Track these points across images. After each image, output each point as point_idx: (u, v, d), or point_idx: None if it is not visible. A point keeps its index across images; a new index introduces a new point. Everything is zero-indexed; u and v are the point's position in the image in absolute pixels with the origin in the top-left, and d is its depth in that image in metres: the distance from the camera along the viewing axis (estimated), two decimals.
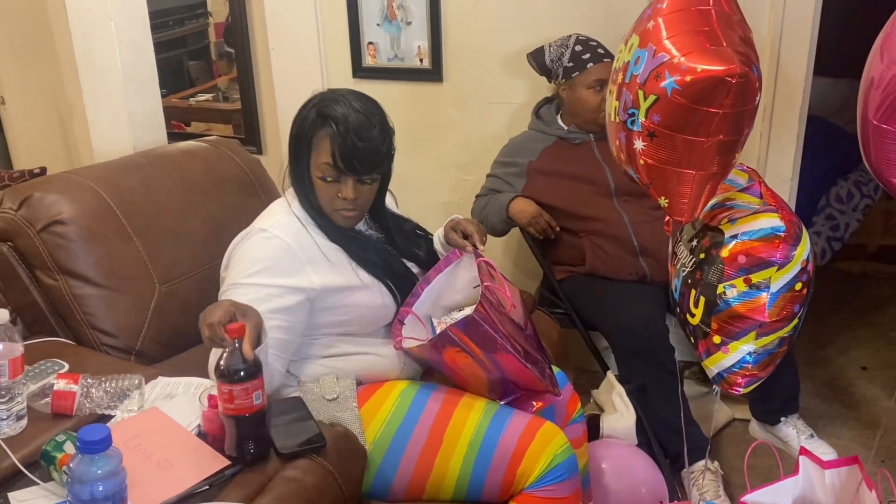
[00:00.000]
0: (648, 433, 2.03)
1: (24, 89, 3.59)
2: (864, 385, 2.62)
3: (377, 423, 1.57)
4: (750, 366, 1.60)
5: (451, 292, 1.72)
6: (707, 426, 2.27)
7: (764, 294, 1.53)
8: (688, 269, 1.67)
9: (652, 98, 1.45)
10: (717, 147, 1.45)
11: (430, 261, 1.77)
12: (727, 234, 1.58)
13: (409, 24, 2.64)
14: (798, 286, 1.53)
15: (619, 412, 2.02)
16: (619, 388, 2.05)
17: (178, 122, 3.98)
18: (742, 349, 1.59)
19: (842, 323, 2.89)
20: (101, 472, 1.07)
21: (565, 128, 2.35)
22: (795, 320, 1.57)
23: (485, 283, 1.54)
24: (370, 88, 2.70)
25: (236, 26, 3.06)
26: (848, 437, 2.35)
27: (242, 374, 1.25)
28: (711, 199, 1.57)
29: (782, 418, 2.25)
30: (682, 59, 1.40)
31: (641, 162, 1.53)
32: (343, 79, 2.78)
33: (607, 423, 2.02)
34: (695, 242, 1.68)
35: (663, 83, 1.41)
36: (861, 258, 3.36)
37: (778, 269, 1.52)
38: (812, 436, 2.23)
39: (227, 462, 1.28)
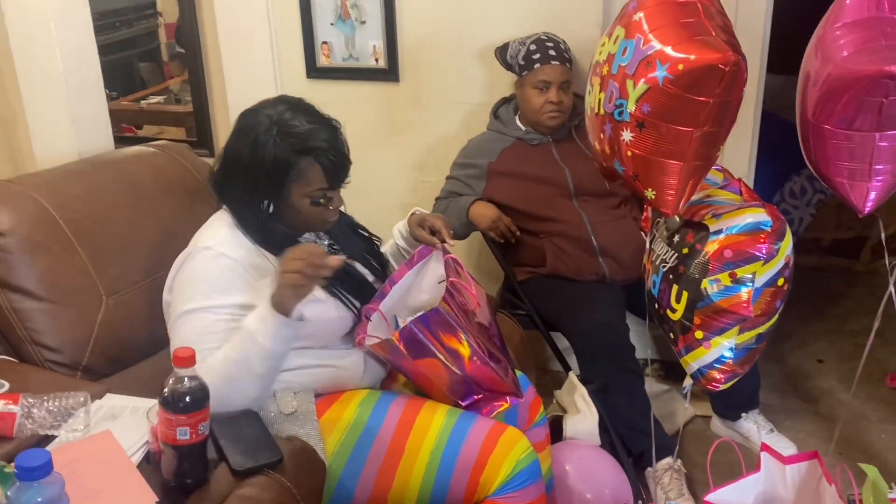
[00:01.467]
0: (611, 433, 2.02)
1: None
2: (821, 378, 2.66)
3: (336, 435, 1.54)
4: (731, 362, 1.61)
5: (417, 292, 1.70)
6: (669, 424, 2.28)
7: (748, 289, 1.54)
8: (669, 265, 1.67)
9: (642, 87, 1.44)
10: (702, 138, 1.46)
11: (381, 263, 1.75)
12: (712, 229, 1.59)
13: (363, 23, 2.60)
14: (780, 281, 1.55)
15: (582, 413, 2.01)
16: (582, 389, 2.04)
17: (128, 126, 3.87)
18: (723, 345, 1.60)
19: (797, 317, 2.93)
20: (43, 499, 1.01)
21: (523, 128, 2.34)
22: (776, 316, 1.58)
23: (450, 279, 1.52)
24: (325, 88, 2.70)
25: (186, 27, 2.98)
26: (806, 431, 2.38)
27: (188, 403, 1.20)
28: (695, 192, 1.58)
29: (743, 414, 2.27)
30: (674, 48, 1.40)
31: (629, 153, 1.53)
32: (297, 79, 2.73)
33: (570, 425, 2.01)
34: (676, 238, 1.68)
35: (654, 73, 1.41)
36: (815, 252, 3.41)
37: (764, 264, 1.53)
38: (772, 430, 2.25)
39: (154, 499, 1.22)
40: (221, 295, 1.47)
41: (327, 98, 2.72)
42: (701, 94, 1.42)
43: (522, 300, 2.29)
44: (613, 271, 2.20)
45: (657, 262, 1.72)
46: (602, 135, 1.62)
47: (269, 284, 1.45)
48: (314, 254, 1.42)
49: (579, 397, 2.05)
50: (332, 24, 2.63)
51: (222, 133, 3.06)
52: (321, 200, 1.53)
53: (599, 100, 1.62)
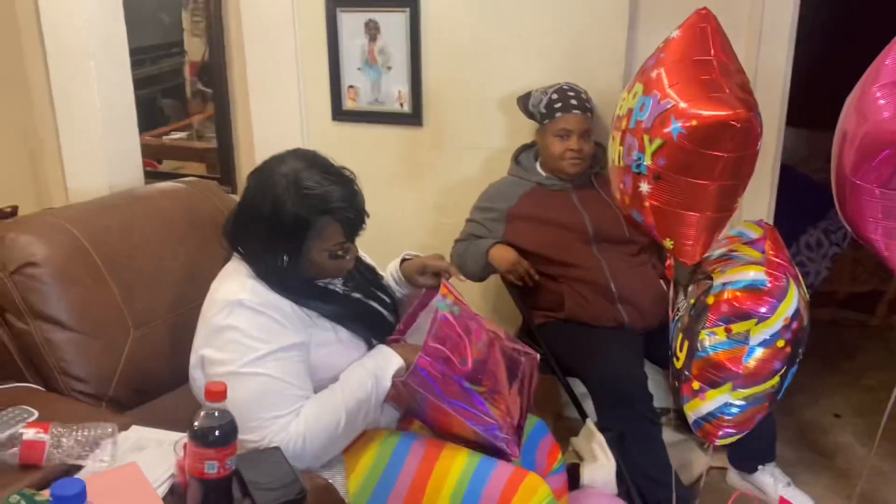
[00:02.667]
0: (628, 483, 2.01)
1: None
2: (838, 433, 2.64)
3: (358, 475, 1.54)
4: (725, 417, 1.60)
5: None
6: (684, 475, 2.27)
7: (743, 346, 1.54)
8: (680, 314, 1.69)
9: (658, 142, 1.49)
10: (719, 191, 1.49)
11: (391, 297, 1.77)
12: (716, 283, 1.60)
13: (389, 68, 2.67)
14: (780, 343, 1.54)
15: (600, 461, 2.00)
16: (599, 437, 2.04)
17: (150, 160, 3.94)
18: (718, 399, 1.60)
19: (812, 370, 2.92)
20: None
21: (544, 174, 2.38)
22: (776, 378, 1.57)
23: (429, 344, 1.51)
24: (350, 131, 2.76)
25: (215, 67, 3.06)
26: (823, 486, 2.36)
27: (217, 437, 1.21)
28: (714, 241, 1.59)
29: (760, 466, 2.26)
30: (687, 105, 1.44)
31: (647, 204, 1.56)
32: (323, 121, 2.79)
33: (587, 473, 2.00)
34: (690, 288, 1.70)
35: (669, 128, 1.46)
36: (830, 305, 3.41)
37: (758, 323, 1.53)
38: (789, 484, 2.23)
39: None
40: (277, 338, 1.48)
41: (351, 140, 2.79)
42: (714, 149, 1.46)
43: (539, 344, 2.29)
44: (632, 318, 2.21)
45: (676, 311, 1.74)
46: (622, 185, 1.66)
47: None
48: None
49: (597, 445, 2.04)
50: (358, 69, 2.70)
51: (245, 170, 3.10)
52: (339, 253, 1.55)
53: (619, 153, 1.67)
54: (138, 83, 4.13)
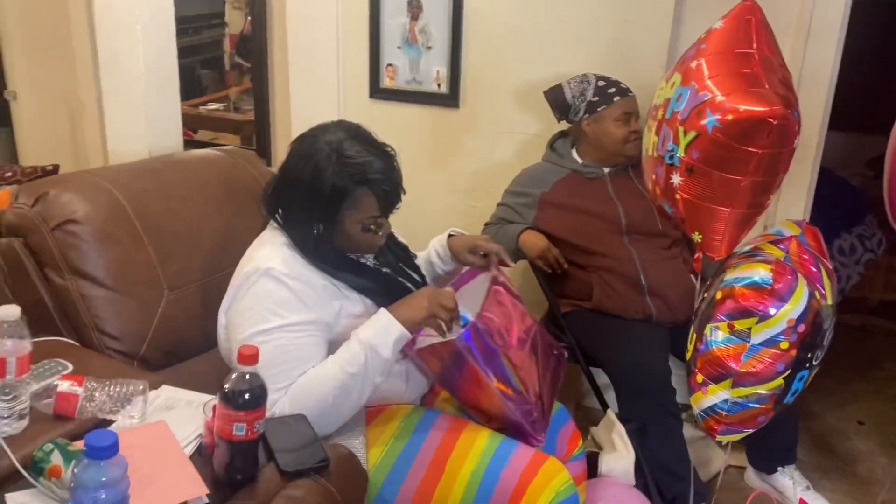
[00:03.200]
0: (646, 474, 2.01)
1: (35, 85, 3.60)
2: (861, 440, 2.62)
3: (379, 447, 1.56)
4: (724, 413, 1.60)
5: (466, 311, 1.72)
6: (702, 472, 2.26)
7: (744, 343, 1.53)
8: (700, 307, 1.68)
9: (692, 134, 1.47)
10: (752, 187, 1.47)
11: (421, 275, 1.78)
12: (726, 278, 1.59)
13: (429, 48, 2.66)
14: (784, 345, 1.51)
15: (619, 451, 2.00)
16: (620, 427, 2.04)
17: (186, 129, 3.98)
18: (719, 394, 1.59)
19: (839, 376, 2.89)
20: (106, 478, 1.04)
21: (580, 161, 2.36)
22: (779, 380, 1.55)
23: (484, 313, 1.53)
24: (386, 109, 2.76)
25: (256, 40, 3.08)
26: (842, 492, 2.34)
27: (247, 400, 1.23)
28: (744, 237, 1.58)
29: (779, 468, 2.24)
30: (725, 98, 1.42)
31: (678, 196, 1.55)
32: (360, 98, 2.79)
33: (605, 462, 2.00)
34: (710, 283, 1.69)
35: (704, 121, 1.44)
36: (861, 312, 3.37)
37: (759, 321, 1.51)
38: (808, 488, 2.22)
39: (205, 491, 1.24)
40: (289, 313, 1.49)
41: (387, 118, 2.79)
42: (749, 145, 1.44)
43: (565, 332, 2.29)
44: (660, 312, 2.20)
45: (698, 305, 1.73)
46: (654, 176, 1.65)
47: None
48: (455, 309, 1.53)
49: (616, 435, 2.04)
50: (398, 48, 2.70)
51: (281, 144, 3.14)
52: (372, 227, 1.56)
53: (654, 142, 1.65)
54: (178, 52, 4.18)
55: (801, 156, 2.35)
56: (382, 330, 1.50)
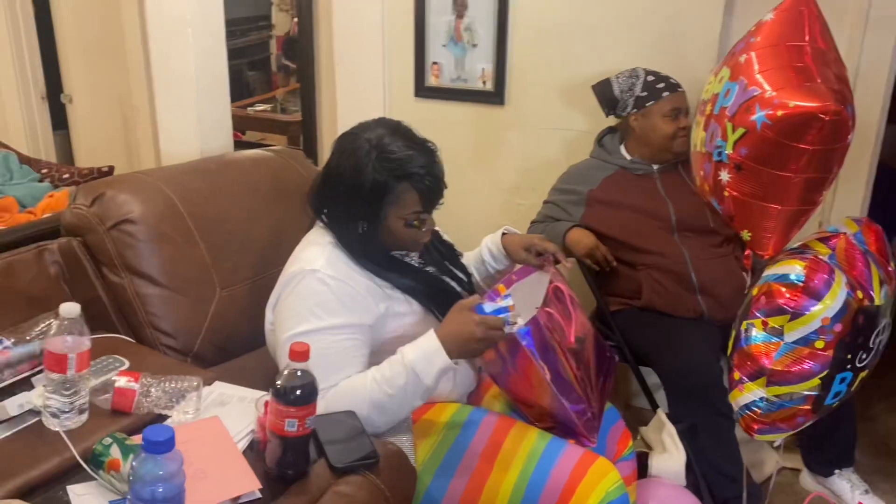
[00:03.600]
0: (697, 476, 1.98)
1: (90, 89, 3.70)
2: None
3: (427, 445, 1.56)
4: (760, 411, 1.57)
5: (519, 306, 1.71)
6: (756, 473, 2.22)
7: (778, 341, 1.49)
8: (742, 304, 1.65)
9: (741, 131, 1.44)
10: (804, 183, 1.43)
11: (467, 275, 1.77)
12: (765, 274, 1.55)
13: (474, 46, 2.66)
14: (819, 344, 1.47)
15: (669, 452, 1.97)
16: (670, 427, 2.00)
17: (234, 131, 4.06)
18: (755, 392, 1.57)
19: None
20: (163, 472, 1.06)
21: (628, 157, 2.33)
22: (815, 381, 1.50)
23: (545, 309, 1.52)
24: (431, 107, 2.77)
25: (303, 41, 3.11)
26: None
27: (298, 396, 1.24)
28: (795, 234, 1.54)
29: (836, 471, 2.18)
30: (774, 93, 1.39)
31: (726, 194, 1.52)
32: (405, 97, 2.80)
33: (656, 463, 1.97)
34: (755, 279, 1.65)
35: (753, 117, 1.41)
36: None
37: (791, 319, 1.47)
38: (867, 491, 2.15)
39: (257, 485, 1.26)
40: (331, 316, 1.49)
41: (433, 116, 2.80)
42: (800, 142, 1.40)
43: (614, 331, 2.27)
44: (712, 310, 2.16)
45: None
46: (702, 172, 1.62)
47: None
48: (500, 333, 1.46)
49: (667, 436, 2.01)
50: (443, 46, 2.70)
51: (327, 144, 3.16)
52: (415, 223, 1.55)
53: (702, 138, 1.62)
54: (228, 54, 4.27)
55: (857, 151, 2.29)
56: (428, 357, 1.46)
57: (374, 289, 1.56)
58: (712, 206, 1.69)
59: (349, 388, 1.48)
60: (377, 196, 1.52)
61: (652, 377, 2.24)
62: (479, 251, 1.86)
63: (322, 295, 1.50)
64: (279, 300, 1.57)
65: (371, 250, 1.57)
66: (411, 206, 1.54)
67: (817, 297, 1.46)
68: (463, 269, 1.79)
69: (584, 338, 1.63)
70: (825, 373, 1.49)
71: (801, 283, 1.47)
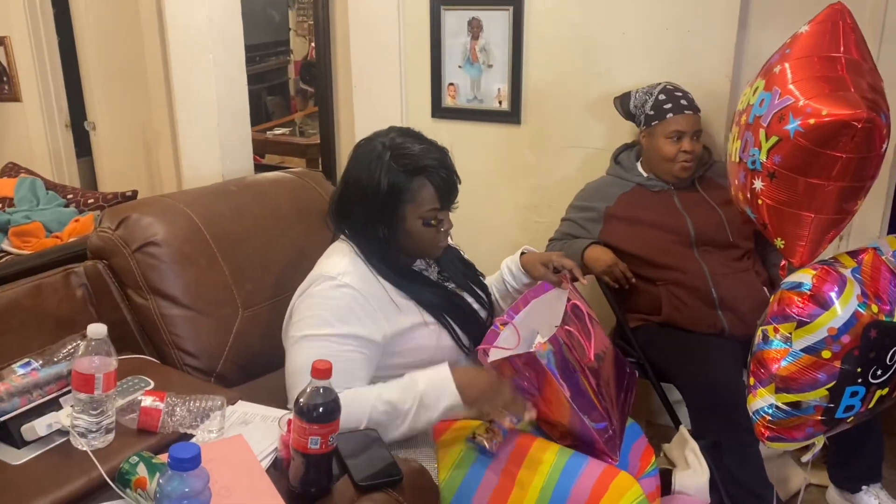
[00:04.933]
0: (721, 492, 1.96)
1: (113, 116, 3.78)
2: None
3: (449, 461, 1.56)
4: (769, 418, 1.56)
5: (531, 330, 1.71)
6: (782, 490, 2.19)
7: (786, 348, 1.49)
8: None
9: (774, 139, 1.45)
10: (838, 192, 1.44)
11: (488, 294, 1.78)
12: (782, 282, 1.56)
13: (490, 66, 2.69)
14: (826, 354, 1.46)
15: (692, 468, 1.95)
16: (693, 444, 1.99)
17: (254, 154, 4.12)
18: (766, 398, 1.57)
19: None
20: (189, 489, 1.08)
21: (645, 174, 2.34)
22: (822, 391, 1.49)
23: (565, 327, 1.53)
24: (448, 128, 2.79)
25: (320, 65, 3.16)
26: None
27: (321, 413, 1.25)
28: (826, 245, 1.54)
29: (864, 486, 2.15)
30: (807, 102, 1.40)
31: (760, 202, 1.53)
32: (422, 118, 2.83)
33: (679, 479, 1.95)
34: None
35: (787, 125, 1.42)
36: None
37: (797, 327, 1.47)
38: None
39: (281, 503, 1.26)
40: (342, 324, 1.51)
41: (450, 137, 2.80)
42: (833, 150, 1.41)
43: (634, 348, 2.26)
44: (733, 325, 2.15)
45: None
46: (737, 181, 1.63)
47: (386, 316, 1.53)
48: (516, 404, 1.51)
49: (690, 452, 1.99)
50: (459, 67, 2.73)
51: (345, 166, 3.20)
52: (433, 221, 1.57)
53: (736, 148, 1.63)
54: (248, 79, 4.35)
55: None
56: (437, 391, 1.47)
57: (388, 303, 1.56)
58: (743, 217, 1.70)
59: (350, 400, 1.47)
60: (394, 195, 1.54)
61: (673, 393, 2.23)
62: (500, 272, 1.88)
63: (336, 301, 1.52)
64: (294, 304, 1.59)
65: (391, 259, 1.59)
66: (428, 203, 1.55)
67: (824, 306, 1.46)
68: (484, 287, 1.80)
69: (604, 355, 1.63)
70: (832, 384, 1.48)
71: (807, 293, 1.47)
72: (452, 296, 1.69)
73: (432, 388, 1.48)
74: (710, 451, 1.99)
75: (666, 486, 1.94)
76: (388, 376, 1.59)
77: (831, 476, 2.23)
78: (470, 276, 1.79)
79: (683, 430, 2.07)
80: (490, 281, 1.87)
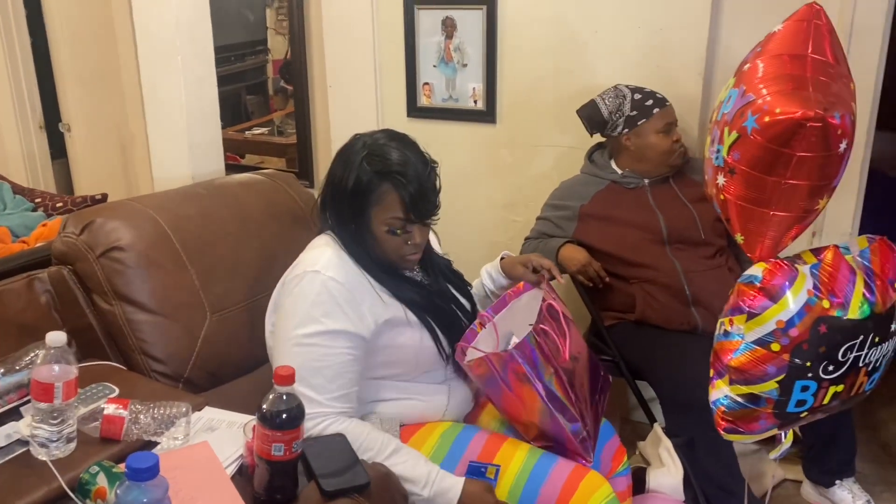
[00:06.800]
0: (696, 490, 1.96)
1: (88, 118, 3.74)
2: None
3: None
4: (724, 409, 1.57)
5: (514, 324, 1.71)
6: (756, 486, 2.20)
7: (738, 340, 1.50)
8: None
9: (734, 136, 1.46)
10: (796, 190, 1.44)
11: (472, 303, 1.77)
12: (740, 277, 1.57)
13: (464, 66, 2.68)
14: (775, 346, 1.46)
15: (667, 466, 1.96)
16: (667, 442, 1.99)
17: (233, 154, 4.08)
18: (722, 389, 1.58)
19: None
20: (147, 500, 1.06)
21: (619, 172, 2.34)
22: (771, 383, 1.49)
23: (539, 325, 1.53)
24: (424, 128, 2.78)
25: (296, 64, 3.14)
26: None
27: (284, 420, 1.24)
28: (788, 242, 1.54)
29: (837, 481, 2.17)
30: (766, 100, 1.40)
31: (721, 197, 1.53)
32: (398, 117, 2.82)
33: (653, 478, 1.96)
34: None
35: (745, 122, 1.42)
36: None
37: (748, 319, 1.48)
38: (869, 502, 2.14)
39: None
40: (329, 319, 1.49)
41: (425, 137, 2.79)
42: (787, 147, 1.41)
43: (609, 346, 2.26)
44: (706, 322, 2.15)
45: None
46: (706, 177, 1.64)
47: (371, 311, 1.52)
48: None
49: (664, 450, 2.00)
50: (434, 66, 2.72)
51: (323, 165, 3.19)
52: (397, 231, 1.53)
53: (707, 143, 1.65)
54: (224, 80, 4.30)
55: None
56: (445, 495, 1.47)
57: (373, 296, 1.55)
58: (716, 214, 1.71)
59: (359, 437, 1.48)
60: (360, 195, 1.52)
61: (649, 391, 2.23)
62: (480, 278, 1.87)
63: (321, 296, 1.49)
64: (279, 300, 1.57)
65: (366, 252, 1.56)
66: (392, 210, 1.51)
67: (774, 298, 1.47)
68: (469, 297, 1.78)
69: (579, 356, 1.63)
70: (782, 377, 1.49)
71: (758, 284, 1.48)
72: (437, 298, 1.67)
73: (436, 493, 1.47)
74: (684, 449, 1.99)
75: (640, 484, 1.95)
76: (370, 378, 1.59)
77: (805, 471, 2.24)
78: (458, 286, 1.77)
79: (657, 429, 2.07)
80: (472, 290, 1.86)
